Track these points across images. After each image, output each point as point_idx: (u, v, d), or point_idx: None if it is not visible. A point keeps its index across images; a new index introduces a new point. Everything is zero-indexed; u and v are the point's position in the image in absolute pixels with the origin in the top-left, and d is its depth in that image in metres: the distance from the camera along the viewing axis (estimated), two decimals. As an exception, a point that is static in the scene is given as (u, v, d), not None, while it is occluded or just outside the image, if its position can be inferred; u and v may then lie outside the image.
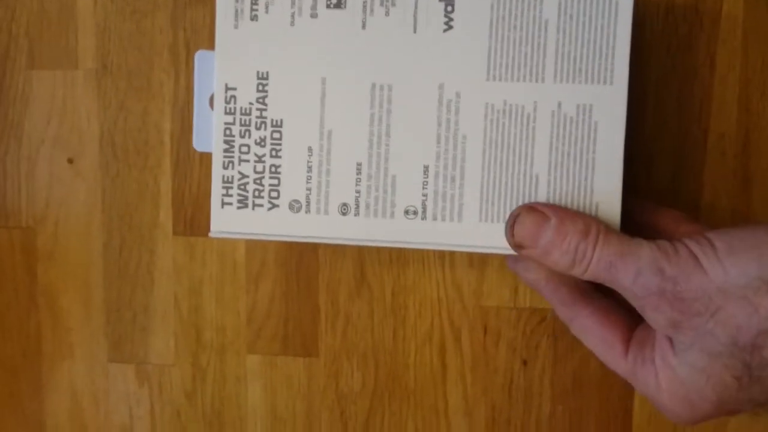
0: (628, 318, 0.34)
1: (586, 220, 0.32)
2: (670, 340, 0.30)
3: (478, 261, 0.42)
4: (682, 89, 0.40)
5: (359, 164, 0.36)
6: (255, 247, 0.44)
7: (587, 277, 0.31)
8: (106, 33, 0.44)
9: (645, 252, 0.30)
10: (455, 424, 0.43)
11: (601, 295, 0.35)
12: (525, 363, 0.43)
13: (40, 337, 0.46)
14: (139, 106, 0.44)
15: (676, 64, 0.40)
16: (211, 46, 0.43)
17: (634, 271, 0.30)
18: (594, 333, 0.34)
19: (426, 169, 0.35)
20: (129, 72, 0.44)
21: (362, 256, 0.43)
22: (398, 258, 0.43)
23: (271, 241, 0.44)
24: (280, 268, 0.44)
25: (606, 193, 0.34)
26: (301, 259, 0.44)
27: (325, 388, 0.44)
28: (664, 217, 0.36)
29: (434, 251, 0.42)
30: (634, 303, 0.31)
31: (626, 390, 0.42)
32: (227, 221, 0.37)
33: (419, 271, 0.43)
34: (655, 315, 0.29)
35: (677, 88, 0.40)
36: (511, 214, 0.34)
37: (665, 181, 0.40)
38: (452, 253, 0.42)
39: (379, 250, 0.43)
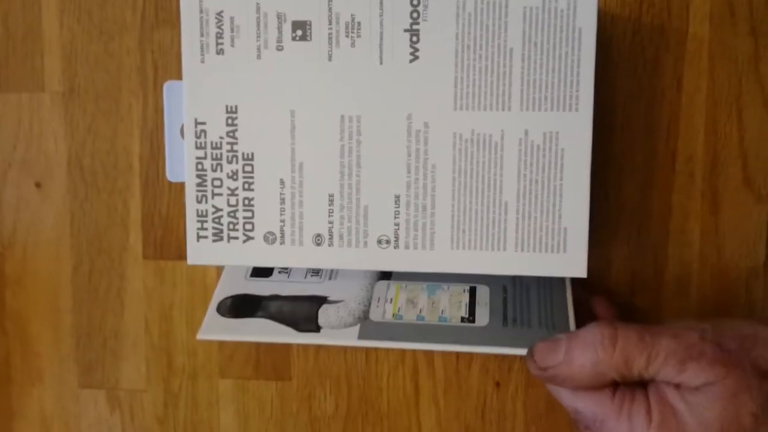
0: None
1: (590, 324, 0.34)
2: (679, 387, 0.32)
3: (450, 283, 0.42)
4: (649, 111, 0.40)
5: (331, 195, 0.36)
6: (226, 271, 0.44)
7: (614, 362, 0.32)
8: (73, 55, 0.44)
9: (670, 322, 0.35)
10: (429, 446, 0.44)
11: None
12: (498, 385, 0.43)
13: (9, 364, 0.46)
14: (107, 128, 0.44)
15: (643, 86, 0.40)
16: (179, 68, 0.43)
17: (671, 333, 0.32)
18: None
19: (397, 198, 0.35)
20: (97, 94, 0.44)
21: (334, 279, 0.43)
22: (370, 281, 0.43)
23: (242, 265, 0.43)
24: (252, 291, 0.44)
25: (574, 218, 0.35)
26: (272, 283, 0.43)
27: (298, 412, 0.44)
28: (597, 304, 0.40)
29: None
30: (670, 363, 0.32)
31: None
32: (203, 254, 0.37)
33: (391, 294, 0.43)
34: (695, 364, 0.31)
35: (644, 109, 0.40)
36: (528, 351, 0.35)
37: (634, 203, 0.41)
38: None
39: (350, 273, 0.43)
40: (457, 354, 0.43)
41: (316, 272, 0.40)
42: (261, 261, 0.36)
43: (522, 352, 0.35)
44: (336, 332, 0.36)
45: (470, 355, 0.43)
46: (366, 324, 0.37)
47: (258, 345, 0.44)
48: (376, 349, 0.43)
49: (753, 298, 0.41)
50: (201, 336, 0.37)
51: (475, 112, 0.34)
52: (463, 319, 0.36)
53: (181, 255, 0.44)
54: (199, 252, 0.37)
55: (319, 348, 0.44)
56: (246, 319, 0.37)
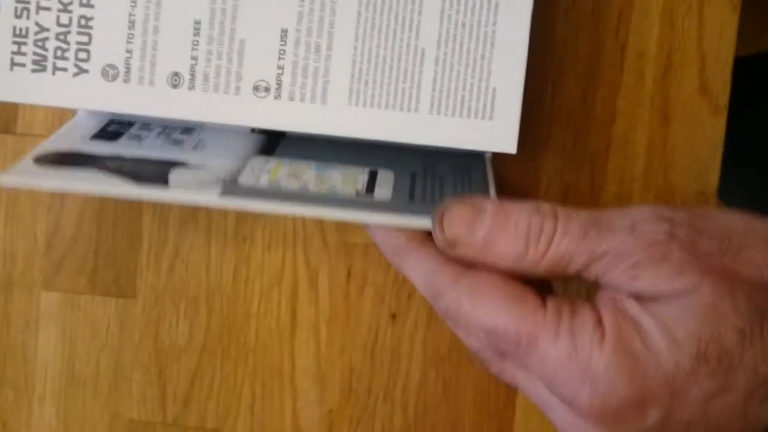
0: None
1: (531, 201, 0.26)
2: (640, 299, 0.25)
3: (346, 186, 0.34)
4: (599, -5, 0.34)
5: (197, 22, 0.28)
6: (63, 150, 0.34)
7: (545, 263, 0.25)
8: None
9: (636, 208, 0.26)
10: (302, 392, 0.35)
11: None
12: (394, 317, 0.35)
13: None
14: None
15: (594, -35, 0.34)
16: None
17: (628, 225, 0.25)
18: (496, 287, 0.26)
19: (284, 33, 0.27)
20: None
21: (202, 174, 0.34)
22: (247, 177, 0.34)
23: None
24: (97, 183, 0.34)
25: (506, 76, 0.27)
26: (124, 174, 0.34)
27: (141, 339, 0.35)
28: None
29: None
30: (620, 267, 0.24)
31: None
32: (18, 88, 0.28)
33: (272, 197, 0.34)
34: (656, 268, 0.24)
35: (594, -8, 0.34)
36: (437, 208, 0.26)
37: (573, 105, 0.34)
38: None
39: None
40: (348, 274, 0.34)
41: (177, 142, 0.31)
42: (96, 103, 0.28)
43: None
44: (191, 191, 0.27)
45: (364, 277, 0.34)
46: (231, 184, 0.27)
47: (96, 251, 0.35)
48: (247, 264, 0.34)
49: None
50: (5, 180, 0.26)
51: (394, -72, 0.27)
52: (358, 194, 0.28)
53: (8, 126, 0.34)
54: (13, 84, 0.28)
55: (175, 258, 0.35)
56: (72, 168, 0.27)
